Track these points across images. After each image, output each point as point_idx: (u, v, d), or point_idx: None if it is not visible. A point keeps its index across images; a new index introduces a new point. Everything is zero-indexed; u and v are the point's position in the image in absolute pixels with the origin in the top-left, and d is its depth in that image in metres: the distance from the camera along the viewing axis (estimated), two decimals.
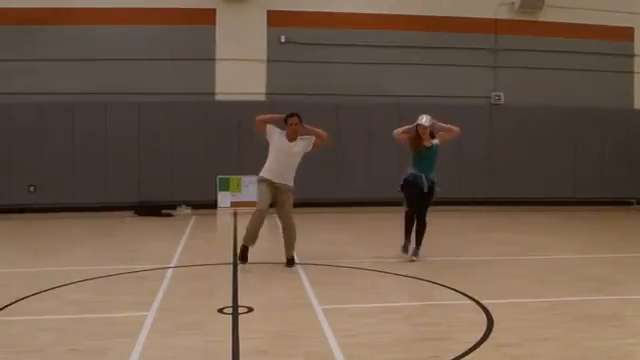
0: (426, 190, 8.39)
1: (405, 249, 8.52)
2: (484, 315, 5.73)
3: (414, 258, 8.49)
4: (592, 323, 5.53)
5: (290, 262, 8.10)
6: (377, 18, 16.05)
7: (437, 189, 8.53)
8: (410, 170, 8.50)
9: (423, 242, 8.70)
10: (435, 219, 14.21)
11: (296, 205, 8.11)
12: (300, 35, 15.76)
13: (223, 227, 13.13)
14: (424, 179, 8.36)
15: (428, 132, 8.41)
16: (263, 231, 12.73)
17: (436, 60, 16.15)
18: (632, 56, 17.15)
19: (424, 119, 8.40)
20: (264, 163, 8.06)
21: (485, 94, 16.54)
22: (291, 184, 8.02)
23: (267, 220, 13.91)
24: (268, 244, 10.96)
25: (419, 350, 4.81)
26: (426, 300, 6.39)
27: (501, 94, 16.47)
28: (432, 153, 8.46)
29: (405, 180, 8.52)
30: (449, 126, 8.58)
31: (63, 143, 14.61)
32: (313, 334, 5.19)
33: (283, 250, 8.20)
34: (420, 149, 8.43)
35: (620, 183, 16.73)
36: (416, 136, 8.44)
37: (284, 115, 7.96)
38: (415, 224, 8.60)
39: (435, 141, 8.46)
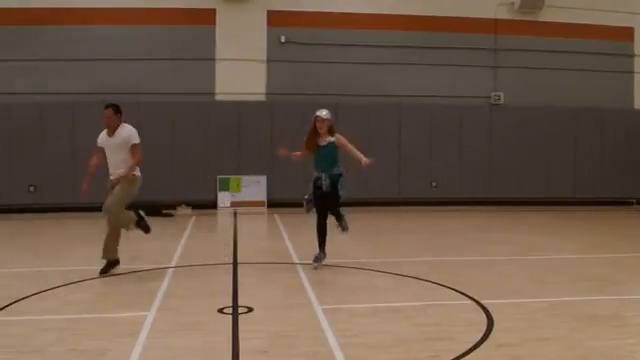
0: (326, 189, 7.80)
1: (316, 259, 7.99)
2: (484, 315, 5.73)
3: (315, 264, 7.92)
4: (592, 323, 5.53)
5: (103, 268, 7.48)
6: (377, 18, 16.06)
7: (341, 192, 7.87)
8: (314, 173, 8.02)
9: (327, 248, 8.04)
10: (435, 219, 14.32)
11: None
12: (300, 35, 15.76)
13: (223, 227, 13.13)
14: (324, 178, 7.82)
15: (326, 127, 7.90)
16: (261, 231, 12.82)
17: (436, 60, 16.15)
18: (632, 56, 17.16)
19: (324, 112, 7.93)
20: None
21: (485, 94, 16.55)
22: (126, 172, 7.53)
23: (265, 220, 14.06)
24: (267, 244, 10.98)
25: (419, 350, 4.80)
26: (426, 300, 6.38)
27: (501, 94, 16.48)
28: (328, 150, 7.90)
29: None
30: (356, 153, 7.92)
31: (63, 143, 14.60)
32: (313, 334, 5.19)
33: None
34: (314, 147, 7.95)
35: (620, 183, 16.73)
36: (313, 131, 7.94)
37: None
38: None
39: (331, 139, 7.91)
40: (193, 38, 15.38)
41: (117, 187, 7.56)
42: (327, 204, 7.95)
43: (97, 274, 7.42)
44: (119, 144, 7.65)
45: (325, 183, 7.82)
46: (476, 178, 16.18)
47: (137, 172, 7.72)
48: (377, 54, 16.00)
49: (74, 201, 14.58)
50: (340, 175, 7.93)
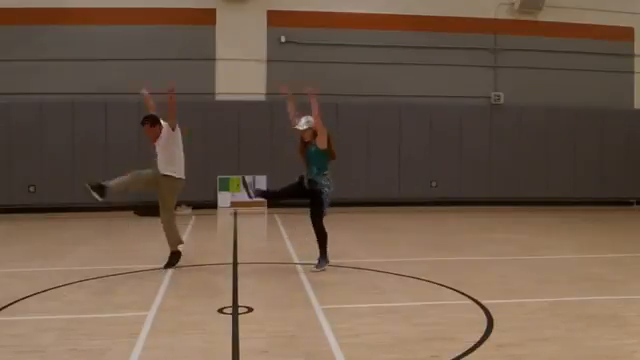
0: (306, 186, 7.81)
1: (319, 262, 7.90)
2: (484, 315, 5.72)
3: (314, 269, 7.77)
4: (592, 323, 5.52)
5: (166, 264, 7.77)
6: (377, 18, 16.07)
7: (323, 197, 7.79)
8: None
9: (327, 251, 7.94)
10: (435, 219, 14.32)
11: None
12: (300, 35, 15.77)
13: (223, 227, 13.13)
14: (305, 179, 7.83)
15: (309, 134, 7.90)
16: (261, 231, 12.82)
17: (436, 60, 16.17)
18: (632, 56, 17.17)
19: (302, 122, 7.94)
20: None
21: (485, 94, 16.55)
22: (164, 172, 7.80)
23: (265, 219, 14.05)
24: (267, 244, 10.98)
25: (419, 350, 4.80)
26: (426, 300, 6.38)
27: (501, 94, 16.48)
28: (310, 154, 7.87)
29: None
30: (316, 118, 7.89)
31: (63, 143, 14.61)
32: (313, 334, 5.19)
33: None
34: (302, 151, 8.00)
35: (620, 183, 16.74)
36: (301, 139, 8.02)
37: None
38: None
39: (314, 142, 7.90)
40: (193, 38, 15.38)
41: (159, 193, 7.84)
42: (311, 208, 7.87)
43: (97, 274, 7.43)
44: (164, 143, 7.88)
45: (306, 185, 7.79)
46: (476, 178, 16.19)
47: (177, 174, 7.84)
48: (377, 54, 16.01)
49: (74, 201, 14.62)
50: (324, 187, 7.78)
